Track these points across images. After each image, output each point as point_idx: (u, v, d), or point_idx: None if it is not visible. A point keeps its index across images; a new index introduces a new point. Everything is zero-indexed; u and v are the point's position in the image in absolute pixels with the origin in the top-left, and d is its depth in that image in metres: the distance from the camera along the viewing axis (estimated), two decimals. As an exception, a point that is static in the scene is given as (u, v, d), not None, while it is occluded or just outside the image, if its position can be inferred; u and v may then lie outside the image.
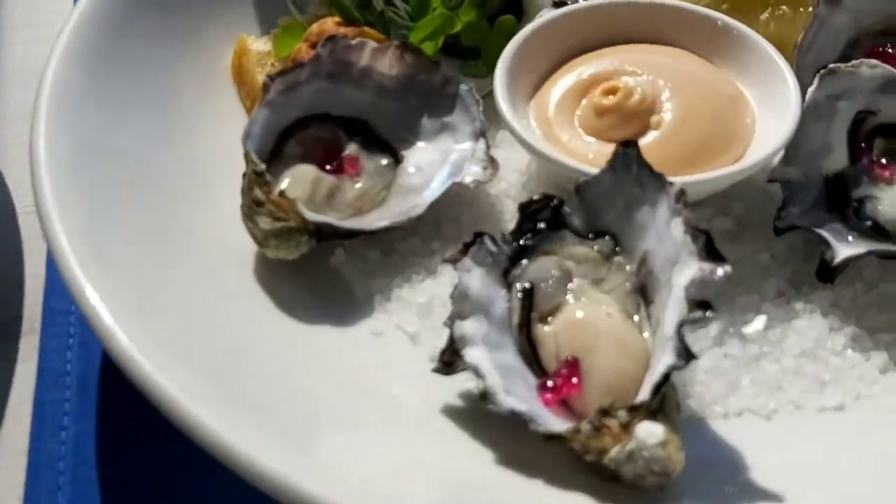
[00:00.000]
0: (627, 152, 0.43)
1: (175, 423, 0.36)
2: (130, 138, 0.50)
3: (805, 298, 0.47)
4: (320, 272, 0.49)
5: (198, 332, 0.42)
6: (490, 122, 0.53)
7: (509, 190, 0.53)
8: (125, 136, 0.50)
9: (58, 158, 0.44)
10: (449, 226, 0.51)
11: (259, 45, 0.59)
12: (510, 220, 0.51)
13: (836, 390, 0.43)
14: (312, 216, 0.46)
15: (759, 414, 0.43)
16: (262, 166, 0.46)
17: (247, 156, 0.46)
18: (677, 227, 0.40)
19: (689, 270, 0.39)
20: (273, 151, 0.50)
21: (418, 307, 0.47)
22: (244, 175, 0.47)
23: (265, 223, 0.46)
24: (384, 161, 0.52)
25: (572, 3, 0.56)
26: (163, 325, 0.40)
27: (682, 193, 0.41)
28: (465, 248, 0.44)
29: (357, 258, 0.50)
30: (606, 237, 0.45)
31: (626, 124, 0.50)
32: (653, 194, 0.42)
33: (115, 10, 0.55)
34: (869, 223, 0.48)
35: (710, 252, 0.39)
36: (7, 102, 0.64)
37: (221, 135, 0.54)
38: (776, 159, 0.49)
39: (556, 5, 0.55)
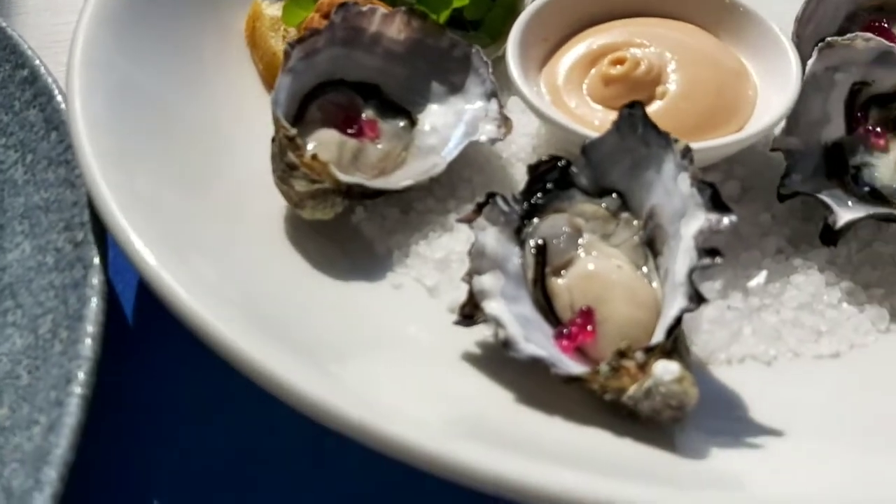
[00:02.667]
0: (633, 113, 0.46)
1: (219, 353, 0.38)
2: (158, 93, 0.52)
3: (803, 256, 0.49)
4: (342, 229, 0.51)
5: (235, 273, 0.44)
6: (500, 88, 0.55)
7: (519, 153, 0.55)
8: (153, 91, 0.52)
9: (93, 113, 0.46)
10: (463, 186, 0.54)
11: (272, 10, 0.61)
12: (521, 181, 0.53)
13: (832, 340, 0.46)
14: (345, 177, 0.48)
15: (760, 360, 0.45)
16: (294, 131, 0.48)
17: (277, 122, 0.48)
18: (684, 182, 0.43)
19: (696, 222, 0.41)
20: (296, 116, 0.52)
21: (435, 262, 0.50)
22: (273, 140, 0.49)
23: (301, 185, 0.48)
24: (400, 123, 0.55)
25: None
26: (202, 266, 0.42)
27: (687, 150, 0.43)
28: (479, 208, 0.46)
29: (377, 216, 0.52)
30: (613, 195, 0.47)
31: (632, 93, 0.52)
32: (659, 152, 0.45)
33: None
34: (867, 189, 0.50)
35: (717, 203, 0.41)
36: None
37: (238, 93, 0.57)
38: (778, 129, 0.52)
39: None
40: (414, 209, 0.52)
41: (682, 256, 0.41)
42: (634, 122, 0.46)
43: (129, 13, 0.54)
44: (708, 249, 0.40)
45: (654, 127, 0.45)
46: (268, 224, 0.50)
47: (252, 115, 0.55)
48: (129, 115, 0.48)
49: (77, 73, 0.48)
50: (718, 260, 0.40)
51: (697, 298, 0.40)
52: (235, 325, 0.38)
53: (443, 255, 0.50)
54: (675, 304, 0.40)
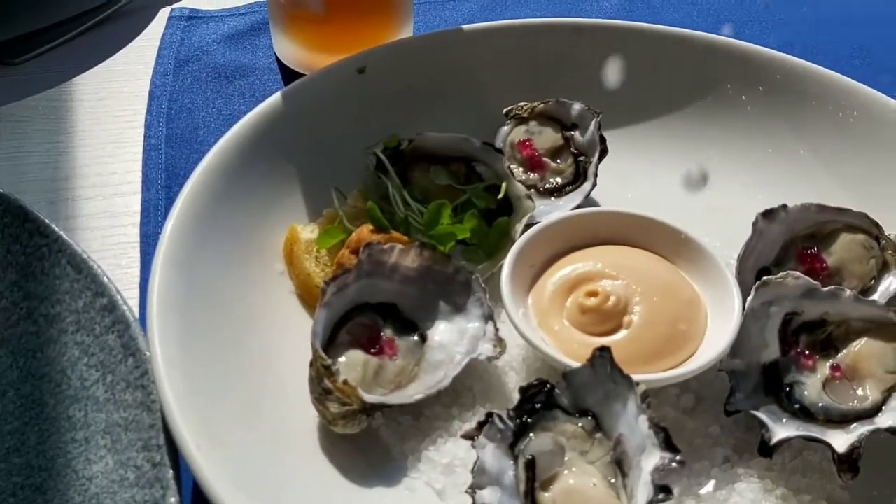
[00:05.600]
0: (603, 355, 0.57)
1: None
2: (219, 329, 0.63)
3: (745, 464, 0.60)
4: (364, 436, 0.61)
5: (280, 484, 0.55)
6: (495, 303, 0.66)
7: (512, 362, 0.66)
8: (214, 328, 0.63)
9: (168, 354, 0.57)
10: (465, 394, 0.65)
11: (307, 233, 0.72)
12: (513, 389, 0.65)
13: (768, 546, 0.56)
14: (369, 398, 0.59)
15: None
16: (329, 361, 0.59)
17: (315, 352, 0.59)
18: (643, 423, 0.53)
19: (653, 459, 0.52)
20: (328, 340, 0.63)
21: (442, 466, 0.60)
22: (311, 365, 0.60)
23: (334, 408, 0.58)
24: (413, 338, 0.66)
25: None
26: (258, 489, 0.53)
27: (646, 395, 0.54)
28: (480, 427, 0.57)
29: (393, 422, 0.62)
30: (589, 416, 0.58)
31: (603, 322, 0.63)
32: (623, 391, 0.56)
33: (200, 210, 0.68)
34: (797, 405, 0.61)
35: (668, 445, 0.52)
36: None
37: (276, 304, 0.68)
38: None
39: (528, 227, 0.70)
40: (424, 415, 0.63)
41: (642, 488, 0.52)
42: (605, 363, 0.57)
43: (194, 250, 0.65)
44: (661, 486, 0.51)
45: (619, 371, 0.56)
46: (305, 436, 0.60)
47: (293, 331, 0.66)
48: (196, 353, 0.59)
49: (155, 320, 0.59)
50: (671, 497, 0.50)
51: (654, 528, 0.50)
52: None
53: (448, 460, 0.60)
54: (638, 529, 0.50)
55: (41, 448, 0.60)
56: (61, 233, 0.67)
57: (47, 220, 0.68)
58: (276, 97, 0.78)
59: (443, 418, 0.63)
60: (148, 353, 0.59)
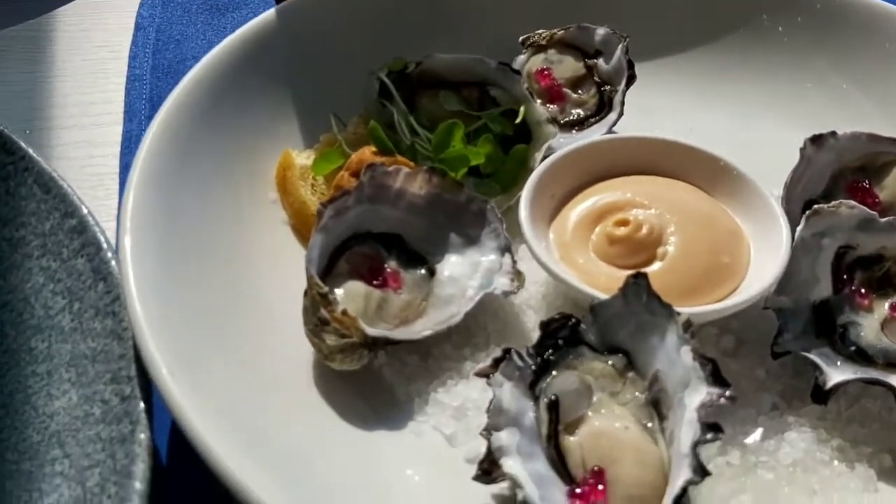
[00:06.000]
0: (638, 283, 0.50)
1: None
2: (198, 246, 0.57)
3: (796, 412, 0.53)
4: (364, 374, 0.54)
5: (266, 423, 0.48)
6: (512, 236, 0.59)
7: (530, 300, 0.59)
8: (193, 245, 0.56)
9: (141, 273, 0.51)
10: (478, 333, 0.57)
11: (302, 159, 0.65)
12: (532, 328, 0.58)
13: (824, 501, 0.49)
14: (371, 331, 0.52)
15: (757, 519, 0.48)
16: (326, 289, 0.52)
17: (311, 279, 0.52)
18: (686, 354, 0.46)
19: (698, 395, 0.45)
20: (325, 269, 0.56)
21: (453, 410, 0.53)
22: (305, 293, 0.53)
23: (332, 340, 0.51)
24: (420, 272, 0.59)
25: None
26: (238, 419, 0.47)
27: (689, 324, 0.47)
28: (496, 363, 0.50)
29: (397, 361, 0.55)
30: (620, 354, 0.51)
31: (634, 253, 0.56)
32: (662, 321, 0.49)
33: (182, 129, 0.61)
34: (853, 348, 0.54)
35: (717, 378, 0.45)
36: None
37: (270, 239, 0.61)
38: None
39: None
40: (432, 355, 0.56)
41: (686, 427, 0.45)
42: (639, 292, 0.50)
43: (173, 170, 0.58)
44: (710, 424, 0.44)
45: (657, 298, 0.49)
46: (296, 371, 0.53)
47: (285, 262, 0.59)
48: (173, 277, 0.52)
49: (128, 235, 0.52)
50: (720, 436, 0.44)
51: (702, 471, 0.43)
52: (265, 479, 0.43)
53: (459, 403, 0.53)
54: (681, 474, 0.43)
55: (0, 382, 0.53)
56: (29, 149, 0.60)
57: (14, 137, 0.61)
58: (270, 12, 0.71)
59: (453, 359, 0.56)
60: (120, 277, 0.52)
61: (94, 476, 0.46)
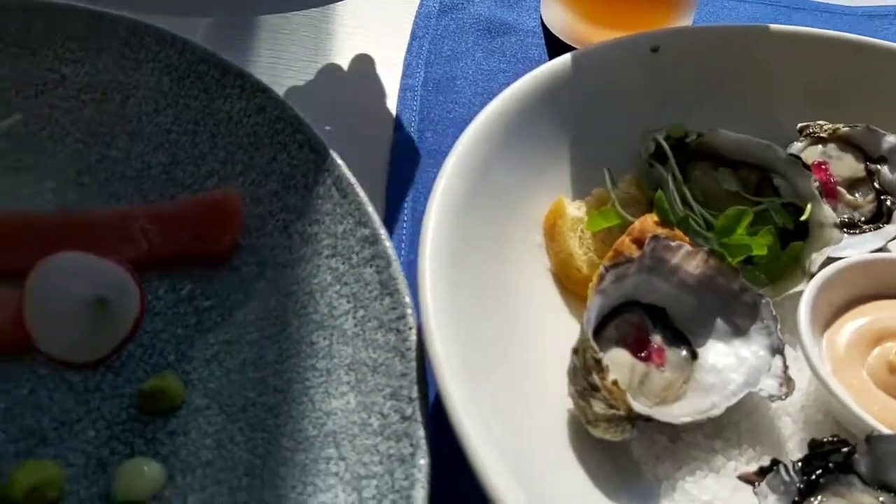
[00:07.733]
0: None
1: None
2: (479, 269, 0.58)
3: None
4: (614, 443, 0.54)
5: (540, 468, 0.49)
6: (783, 335, 0.58)
7: (788, 407, 0.58)
8: (476, 269, 0.58)
9: (440, 321, 0.52)
10: (729, 427, 0.57)
11: (573, 209, 0.66)
12: (788, 437, 0.56)
13: None
14: (638, 408, 0.52)
15: None
16: (601, 354, 0.53)
17: (587, 342, 0.53)
18: None
19: None
20: (594, 332, 0.57)
21: (701, 503, 0.53)
22: (576, 352, 0.53)
23: (599, 408, 0.52)
24: (682, 353, 0.58)
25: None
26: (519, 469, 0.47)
27: None
28: (762, 472, 0.49)
29: (646, 438, 0.55)
30: (893, 494, 0.49)
31: (919, 389, 0.54)
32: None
33: (477, 162, 0.63)
34: None
35: None
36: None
37: (533, 279, 0.63)
38: None
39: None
40: (682, 439, 0.56)
41: None
42: (934, 439, 0.48)
43: (467, 203, 0.60)
44: None
45: (958, 453, 0.47)
46: (553, 424, 0.54)
47: (542, 307, 0.60)
48: (463, 309, 0.54)
49: (428, 263, 0.54)
50: None
51: None
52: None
53: (709, 498, 0.53)
54: None
55: (279, 368, 0.56)
56: (332, 152, 0.63)
57: (321, 136, 0.64)
58: (562, 60, 0.72)
59: (704, 449, 0.55)
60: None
61: (370, 487, 0.48)
